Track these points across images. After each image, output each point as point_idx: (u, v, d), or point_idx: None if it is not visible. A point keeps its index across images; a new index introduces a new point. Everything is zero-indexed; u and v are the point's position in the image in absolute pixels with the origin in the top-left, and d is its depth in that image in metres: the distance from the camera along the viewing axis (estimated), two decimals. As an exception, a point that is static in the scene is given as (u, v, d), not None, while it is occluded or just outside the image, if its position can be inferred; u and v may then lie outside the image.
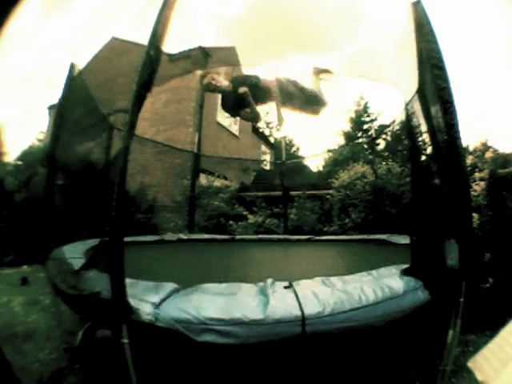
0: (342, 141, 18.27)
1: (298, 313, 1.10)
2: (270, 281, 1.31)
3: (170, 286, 1.27)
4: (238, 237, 5.01)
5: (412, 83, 1.63)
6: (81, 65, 2.90)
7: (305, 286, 1.31)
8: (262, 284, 1.34)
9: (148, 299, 1.17)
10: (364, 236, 4.40)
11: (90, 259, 1.56)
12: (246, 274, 2.16)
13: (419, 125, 1.68)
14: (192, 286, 1.34)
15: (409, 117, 1.81)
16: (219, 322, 1.07)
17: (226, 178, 8.09)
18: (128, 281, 1.19)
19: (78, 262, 1.70)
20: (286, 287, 1.30)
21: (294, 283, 1.34)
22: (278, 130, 17.60)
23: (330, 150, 16.54)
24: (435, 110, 1.45)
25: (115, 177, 1.21)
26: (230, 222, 6.42)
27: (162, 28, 1.29)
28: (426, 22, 1.49)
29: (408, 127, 1.87)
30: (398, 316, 1.23)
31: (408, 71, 1.62)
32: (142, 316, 1.08)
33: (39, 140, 12.76)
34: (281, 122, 2.71)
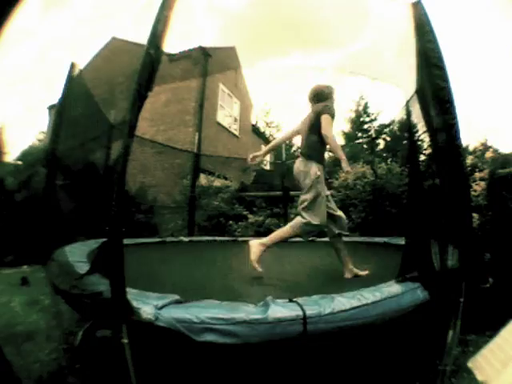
0: (341, 141, 18.30)
1: (300, 312, 1.11)
2: (270, 297, 1.27)
3: (172, 297, 1.25)
4: (239, 239, 4.99)
5: (412, 82, 1.63)
6: (81, 64, 2.90)
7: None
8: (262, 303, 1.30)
9: (149, 302, 1.17)
10: (365, 238, 4.41)
11: (93, 264, 1.55)
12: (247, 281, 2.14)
13: (418, 124, 1.69)
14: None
15: (409, 116, 1.81)
16: (220, 321, 1.06)
17: (226, 178, 8.09)
18: (130, 290, 1.18)
19: (80, 265, 1.70)
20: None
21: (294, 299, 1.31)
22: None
23: (330, 150, 16.51)
24: (435, 109, 1.45)
25: (115, 177, 1.21)
26: (230, 221, 6.42)
27: (162, 27, 1.29)
28: (425, 22, 1.50)
29: (408, 126, 1.87)
30: (398, 314, 1.25)
31: (409, 70, 1.62)
32: (143, 315, 1.08)
33: (39, 140, 12.77)
34: None
